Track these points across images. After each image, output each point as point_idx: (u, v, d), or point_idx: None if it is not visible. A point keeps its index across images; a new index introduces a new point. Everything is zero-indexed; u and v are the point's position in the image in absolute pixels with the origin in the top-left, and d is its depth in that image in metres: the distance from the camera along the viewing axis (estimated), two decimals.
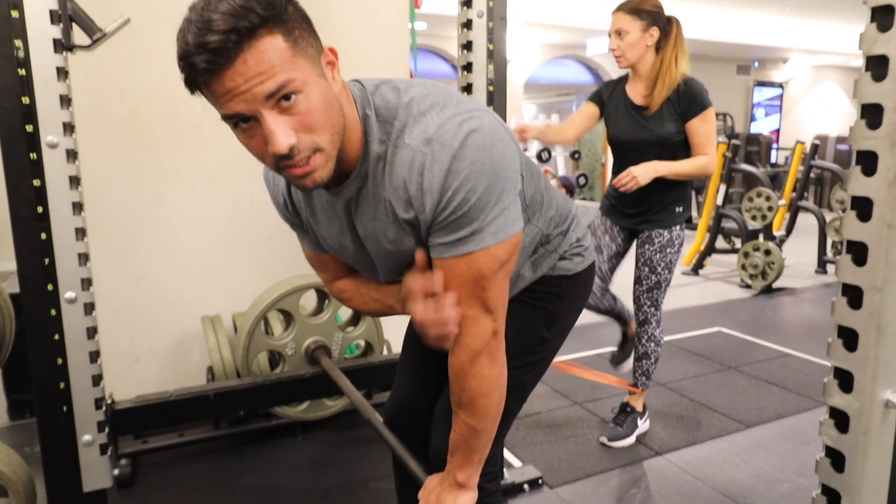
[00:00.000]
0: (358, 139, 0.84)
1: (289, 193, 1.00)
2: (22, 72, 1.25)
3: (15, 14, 1.23)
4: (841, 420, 0.80)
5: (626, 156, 2.12)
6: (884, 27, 0.73)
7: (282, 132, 0.73)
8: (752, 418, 2.40)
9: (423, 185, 0.82)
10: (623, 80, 2.17)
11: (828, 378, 0.82)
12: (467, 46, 1.69)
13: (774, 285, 4.62)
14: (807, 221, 5.98)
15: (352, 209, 0.92)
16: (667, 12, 2.09)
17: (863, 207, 0.78)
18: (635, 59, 2.04)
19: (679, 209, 2.10)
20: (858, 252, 0.78)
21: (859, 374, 0.77)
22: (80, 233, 1.33)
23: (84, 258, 1.34)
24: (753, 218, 4.79)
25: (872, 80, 0.75)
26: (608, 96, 2.17)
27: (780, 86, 11.16)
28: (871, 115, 0.76)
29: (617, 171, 2.15)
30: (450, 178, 0.80)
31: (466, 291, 0.88)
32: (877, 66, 0.75)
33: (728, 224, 5.18)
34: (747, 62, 10.74)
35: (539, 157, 6.48)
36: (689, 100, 2.01)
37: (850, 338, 0.79)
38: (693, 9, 7.87)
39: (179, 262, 2.28)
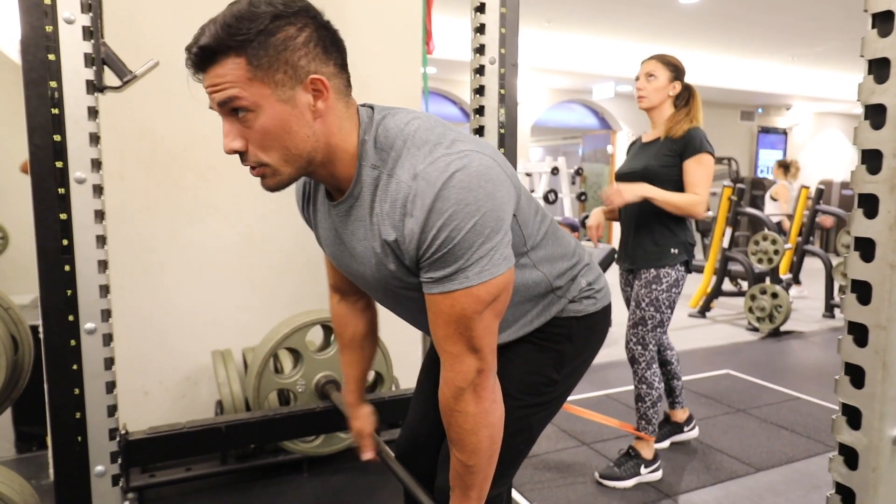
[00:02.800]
0: (351, 161, 0.91)
1: (306, 187, 1.09)
2: (55, 111, 1.30)
3: (52, 57, 1.29)
4: (850, 457, 0.81)
5: (623, 209, 2.24)
6: (880, 79, 0.77)
7: (229, 136, 0.86)
8: (763, 462, 2.37)
9: (406, 220, 0.86)
10: (636, 143, 2.33)
11: (836, 415, 0.84)
12: (479, 91, 1.76)
13: (782, 328, 4.60)
14: (814, 265, 5.99)
15: (345, 225, 0.97)
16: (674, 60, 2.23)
17: (866, 248, 0.80)
18: (657, 102, 2.17)
19: (675, 251, 2.13)
20: (863, 291, 0.81)
21: (867, 410, 0.78)
22: (103, 265, 1.37)
23: (105, 290, 1.37)
24: (760, 261, 4.80)
25: (871, 128, 0.79)
26: (634, 155, 2.30)
27: (784, 132, 11.30)
28: (871, 160, 0.79)
29: (623, 224, 2.26)
30: (432, 217, 0.84)
31: (451, 329, 0.89)
32: (875, 114, 0.78)
33: (734, 267, 5.19)
34: (751, 108, 10.91)
35: (545, 198, 6.55)
36: (687, 141, 2.10)
37: (856, 375, 0.81)
38: (697, 55, 8.06)
39: (191, 296, 2.31)
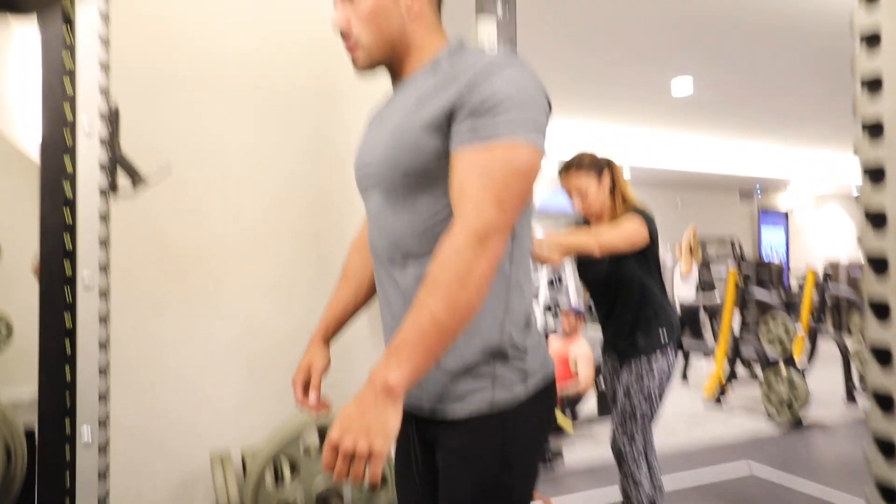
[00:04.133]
0: (423, 57, 1.02)
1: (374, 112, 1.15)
2: (68, 216, 1.33)
3: (68, 165, 1.34)
4: None
5: (589, 285, 2.22)
6: (877, 182, 0.78)
7: (338, 15, 1.03)
8: None
9: (461, 68, 0.93)
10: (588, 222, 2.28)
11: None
12: None
13: (803, 418, 4.44)
14: (829, 348, 5.87)
15: (396, 100, 1.04)
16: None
17: (882, 356, 0.78)
18: (600, 208, 2.15)
19: (662, 332, 2.06)
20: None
21: None
22: (104, 371, 1.35)
23: (104, 396, 1.35)
24: (771, 343, 4.71)
25: (873, 233, 0.79)
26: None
27: (785, 213, 11.45)
28: (878, 266, 0.79)
29: (596, 302, 2.21)
30: (496, 69, 0.89)
31: (482, 179, 0.86)
32: (876, 219, 0.79)
33: (747, 351, 5.09)
34: (750, 189, 11.12)
35: (550, 283, 6.55)
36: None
37: (887, 495, 0.77)
38: (693, 140, 8.30)
39: (193, 394, 2.26)
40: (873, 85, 0.77)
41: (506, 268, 0.97)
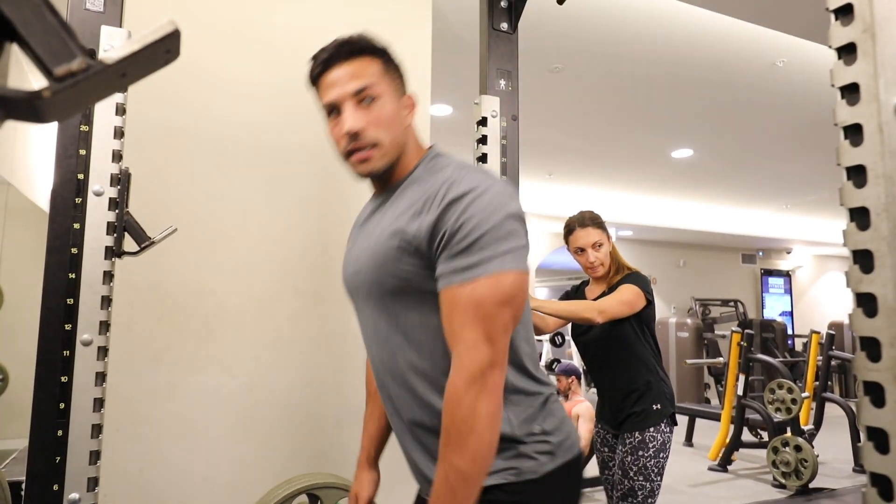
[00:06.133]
0: (409, 165, 1.08)
1: (365, 209, 1.19)
2: (72, 275, 1.35)
3: (76, 226, 1.37)
4: None
5: (582, 348, 2.21)
6: (866, 269, 0.80)
7: (355, 118, 1.02)
8: None
9: (439, 193, 0.95)
10: (584, 283, 2.29)
11: None
12: None
13: (811, 485, 4.32)
14: (835, 412, 5.76)
15: (378, 213, 1.08)
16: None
17: (875, 392, 0.78)
18: (609, 264, 2.17)
19: (657, 406, 2.02)
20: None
21: None
22: (97, 429, 1.34)
23: (95, 456, 1.33)
24: (777, 410, 4.63)
25: (864, 316, 0.80)
26: (573, 298, 2.29)
27: (788, 274, 11.45)
28: (870, 348, 0.79)
29: (588, 365, 2.19)
30: (466, 203, 0.92)
31: (468, 317, 0.89)
32: (867, 302, 0.80)
33: (752, 415, 4.99)
34: (752, 252, 11.16)
35: (553, 341, 6.50)
36: (622, 282, 2.10)
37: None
38: (693, 203, 8.40)
39: (185, 451, 2.22)
40: (858, 170, 0.79)
41: (507, 379, 0.98)
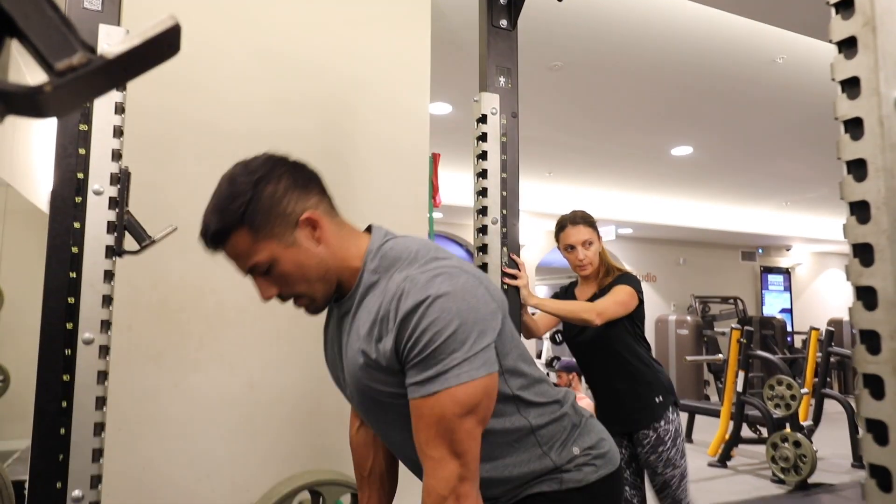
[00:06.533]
0: (355, 272, 1.03)
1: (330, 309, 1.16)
2: (73, 274, 1.35)
3: (77, 224, 1.37)
4: None
5: (576, 348, 2.19)
6: (866, 262, 0.80)
7: (263, 289, 1.02)
8: None
9: (391, 313, 0.93)
10: (573, 284, 2.30)
11: None
12: (483, 249, 1.82)
13: (810, 480, 4.33)
14: (834, 409, 5.77)
15: (344, 326, 1.05)
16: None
17: (878, 430, 0.78)
18: (598, 264, 2.18)
19: (659, 399, 2.06)
20: (876, 385, 0.78)
21: None
22: (99, 427, 1.34)
23: (98, 454, 1.33)
24: (777, 406, 4.64)
25: (864, 309, 0.80)
26: (564, 299, 2.29)
27: (787, 271, 11.46)
28: (870, 341, 0.79)
29: (584, 370, 2.19)
30: (417, 318, 0.90)
31: (432, 432, 0.89)
32: (866, 295, 0.80)
33: (752, 411, 5.00)
34: (751, 249, 11.16)
35: (553, 339, 6.49)
36: (615, 283, 2.11)
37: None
38: (693, 200, 8.40)
39: (187, 449, 2.23)
40: (858, 164, 0.80)
41: (526, 421, 1.04)
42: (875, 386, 0.79)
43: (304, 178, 1.03)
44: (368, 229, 1.10)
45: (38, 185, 3.55)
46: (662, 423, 2.04)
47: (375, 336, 0.95)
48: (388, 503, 1.26)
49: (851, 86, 0.77)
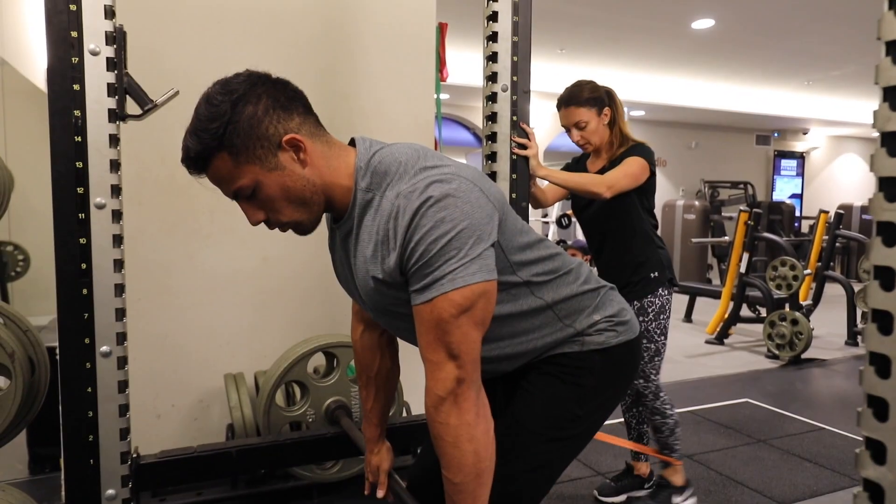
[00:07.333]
0: (347, 191, 1.01)
1: (328, 221, 1.15)
2: (78, 139, 1.34)
3: (76, 87, 1.33)
4: (875, 493, 0.78)
5: (584, 220, 2.20)
6: (893, 152, 0.77)
7: (249, 213, 0.99)
8: (785, 495, 2.31)
9: (389, 232, 0.94)
10: (585, 156, 2.24)
11: (859, 449, 0.81)
12: (492, 118, 1.77)
13: (803, 356, 4.51)
14: (834, 291, 5.89)
15: (349, 246, 1.05)
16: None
17: (885, 277, 0.78)
18: (599, 142, 2.10)
19: (654, 275, 2.07)
20: (884, 321, 0.79)
21: (891, 444, 0.76)
22: (119, 289, 1.39)
23: (121, 313, 1.39)
24: (779, 287, 4.73)
25: (888, 156, 0.78)
26: (574, 170, 2.25)
27: (801, 155, 11.23)
28: (889, 187, 0.78)
29: (588, 237, 2.21)
30: (411, 231, 0.91)
31: (431, 336, 0.93)
32: (891, 142, 0.78)
33: (753, 292, 5.11)
34: (767, 133, 10.87)
35: (559, 222, 6.54)
36: (626, 154, 2.05)
37: (880, 407, 0.78)
38: (711, 81, 8.07)
39: (206, 318, 2.32)
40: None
41: (542, 300, 1.08)
42: (889, 233, 0.78)
43: (285, 98, 0.96)
44: (353, 143, 1.05)
45: (37, 64, 3.43)
46: (650, 296, 2.06)
47: (380, 258, 0.96)
48: (390, 399, 1.35)
49: None
